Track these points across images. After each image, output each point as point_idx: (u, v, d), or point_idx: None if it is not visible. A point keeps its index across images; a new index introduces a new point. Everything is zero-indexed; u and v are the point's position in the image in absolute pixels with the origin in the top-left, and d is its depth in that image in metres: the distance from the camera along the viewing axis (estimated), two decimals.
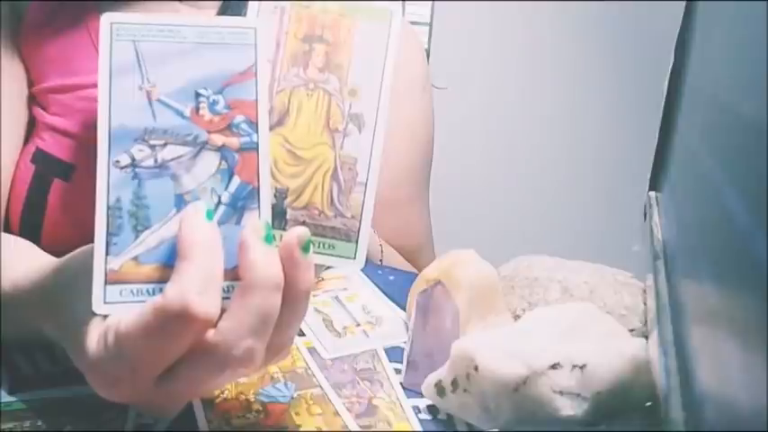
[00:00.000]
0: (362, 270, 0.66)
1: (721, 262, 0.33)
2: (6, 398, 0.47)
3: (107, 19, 0.40)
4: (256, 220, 0.39)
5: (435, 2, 1.72)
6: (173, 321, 0.35)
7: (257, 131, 0.40)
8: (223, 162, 0.40)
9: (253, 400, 0.47)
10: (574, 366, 0.43)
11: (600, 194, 1.79)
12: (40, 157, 0.64)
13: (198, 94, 0.40)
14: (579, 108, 1.79)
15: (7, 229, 0.65)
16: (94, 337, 0.38)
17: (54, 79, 0.65)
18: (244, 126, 0.40)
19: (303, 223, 0.42)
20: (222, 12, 0.68)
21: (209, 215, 0.38)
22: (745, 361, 0.26)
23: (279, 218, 0.42)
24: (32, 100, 0.67)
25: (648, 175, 0.68)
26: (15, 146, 0.65)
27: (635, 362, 0.44)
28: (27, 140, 0.66)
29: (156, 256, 0.38)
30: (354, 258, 0.43)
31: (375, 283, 0.64)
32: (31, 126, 0.66)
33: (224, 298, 0.37)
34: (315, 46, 0.43)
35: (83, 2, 0.66)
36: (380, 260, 0.73)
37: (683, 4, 0.64)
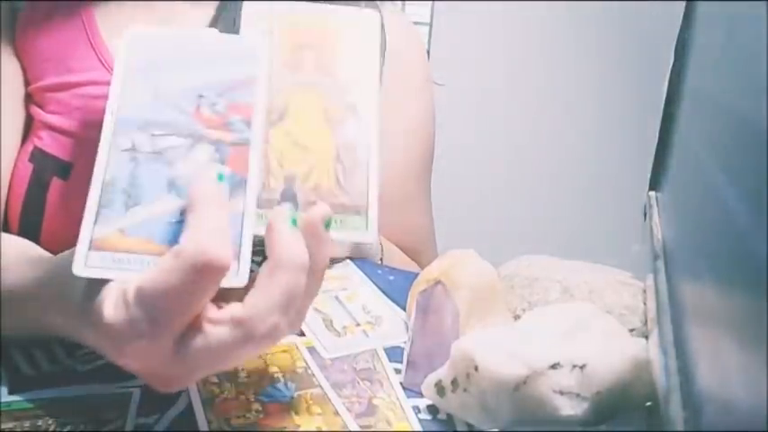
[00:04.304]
0: (362, 270, 0.66)
1: (721, 262, 0.33)
2: (6, 398, 0.47)
3: (129, 33, 0.45)
4: (282, 207, 0.42)
5: (435, 2, 1.72)
6: (189, 266, 0.36)
7: (251, 129, 0.43)
8: (216, 153, 0.42)
9: (253, 400, 0.47)
10: (574, 366, 0.43)
11: (600, 194, 1.79)
12: (38, 156, 0.64)
13: (200, 96, 0.43)
14: (579, 108, 1.79)
15: (6, 229, 0.64)
16: (111, 303, 0.38)
17: (51, 77, 0.65)
18: (239, 124, 0.43)
19: (314, 202, 0.44)
20: (220, 9, 0.68)
21: (221, 178, 0.41)
22: (745, 361, 0.26)
23: (291, 200, 0.45)
24: (29, 99, 0.66)
25: (648, 175, 0.68)
26: (13, 145, 0.65)
27: (635, 362, 0.44)
28: (25, 139, 0.66)
29: (142, 231, 0.40)
30: (367, 229, 0.45)
31: (375, 283, 0.64)
32: (29, 125, 0.66)
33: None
34: (305, 53, 0.48)
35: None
36: (380, 258, 0.73)
37: (683, 4, 0.64)
